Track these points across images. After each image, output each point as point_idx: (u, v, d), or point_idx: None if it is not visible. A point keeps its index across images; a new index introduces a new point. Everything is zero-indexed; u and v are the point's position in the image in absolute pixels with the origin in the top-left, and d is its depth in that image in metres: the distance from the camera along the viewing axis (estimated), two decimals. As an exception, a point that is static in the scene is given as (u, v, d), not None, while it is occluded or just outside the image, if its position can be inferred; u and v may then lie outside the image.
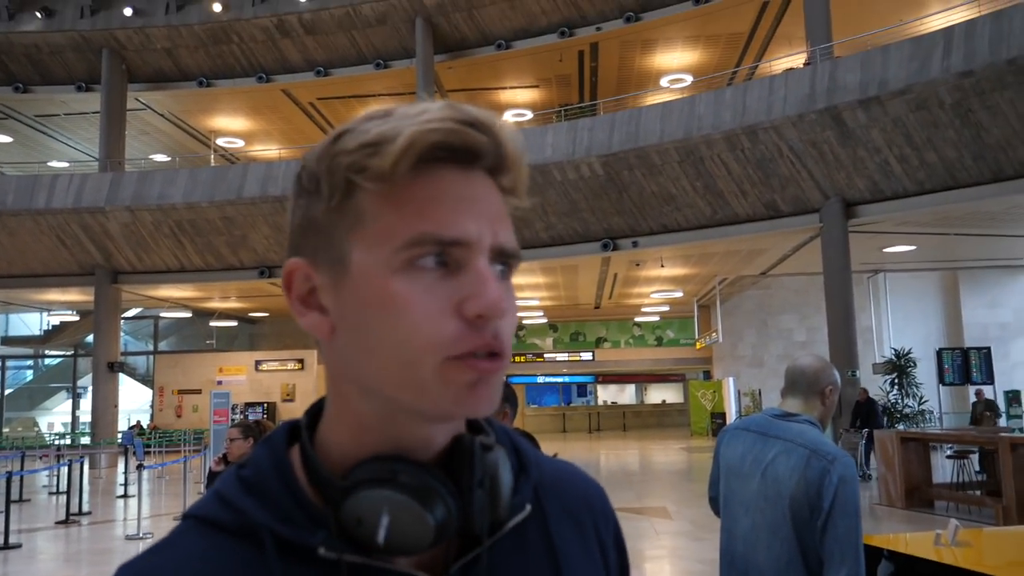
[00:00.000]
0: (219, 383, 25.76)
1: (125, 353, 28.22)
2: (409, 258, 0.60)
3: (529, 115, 22.62)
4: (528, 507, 0.71)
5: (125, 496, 13.76)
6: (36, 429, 28.22)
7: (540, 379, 31.99)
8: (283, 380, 27.18)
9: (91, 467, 17.51)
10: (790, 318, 24.62)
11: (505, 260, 0.64)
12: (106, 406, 20.12)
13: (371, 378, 0.63)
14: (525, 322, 29.57)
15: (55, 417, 28.84)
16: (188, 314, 26.28)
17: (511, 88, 22.62)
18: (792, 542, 2.15)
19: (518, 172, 0.66)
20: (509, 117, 21.83)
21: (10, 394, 29.83)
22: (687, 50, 20.43)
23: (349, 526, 0.62)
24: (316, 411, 0.70)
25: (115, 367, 20.53)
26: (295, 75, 21.71)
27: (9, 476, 10.30)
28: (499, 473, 0.66)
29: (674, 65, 21.19)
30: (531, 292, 23.79)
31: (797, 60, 17.73)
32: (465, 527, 0.64)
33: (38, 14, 20.06)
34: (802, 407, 2.35)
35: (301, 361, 27.38)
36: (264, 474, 0.66)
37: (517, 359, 30.83)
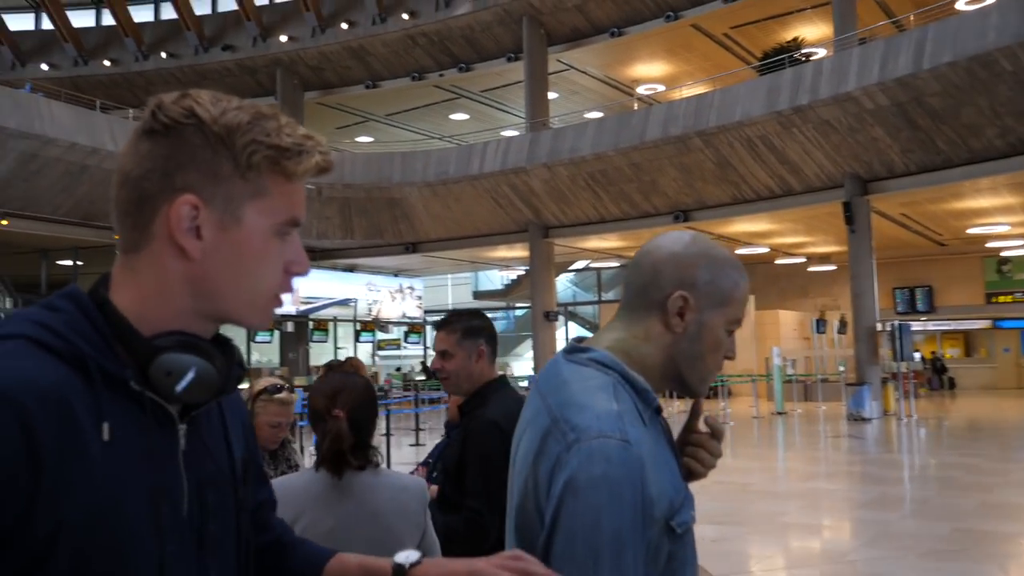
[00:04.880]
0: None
1: (572, 303, 30.18)
2: (280, 230, 0.90)
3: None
4: (239, 387, 1.00)
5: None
6: (509, 373, 31.70)
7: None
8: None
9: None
10: None
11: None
12: (545, 352, 21.63)
13: (225, 296, 0.89)
14: (1006, 253, 24.47)
15: (525, 363, 32.12)
16: (617, 264, 27.04)
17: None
18: None
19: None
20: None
21: (487, 341, 33.85)
22: None
23: (156, 376, 0.85)
24: (103, 288, 0.90)
25: (551, 316, 21.94)
26: (703, 7, 20.60)
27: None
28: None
29: None
30: (1000, 216, 19.49)
31: None
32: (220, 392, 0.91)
33: (466, -4, 22.00)
34: (617, 332, 1.22)
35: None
36: (80, 322, 0.84)
37: (1000, 299, 25.77)
